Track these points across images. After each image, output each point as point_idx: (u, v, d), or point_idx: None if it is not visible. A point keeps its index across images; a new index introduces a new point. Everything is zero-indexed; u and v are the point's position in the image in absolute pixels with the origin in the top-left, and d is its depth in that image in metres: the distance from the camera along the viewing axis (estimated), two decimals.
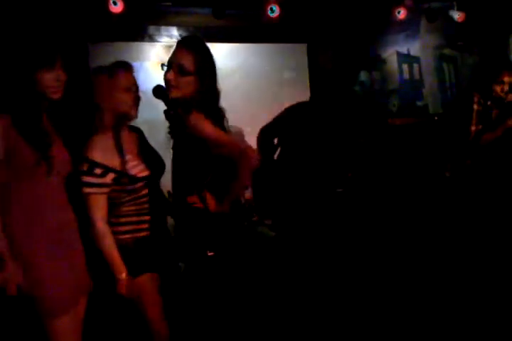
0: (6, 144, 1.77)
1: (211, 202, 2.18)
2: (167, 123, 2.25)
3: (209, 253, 2.17)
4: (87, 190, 2.06)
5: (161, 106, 2.18)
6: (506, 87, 3.50)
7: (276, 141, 3.05)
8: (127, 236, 2.15)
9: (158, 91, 2.15)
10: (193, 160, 2.18)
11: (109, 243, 2.07)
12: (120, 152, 2.11)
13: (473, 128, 3.50)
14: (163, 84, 2.21)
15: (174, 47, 2.25)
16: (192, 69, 2.17)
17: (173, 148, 2.28)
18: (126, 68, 2.16)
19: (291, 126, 2.83)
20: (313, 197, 3.01)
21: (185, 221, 2.29)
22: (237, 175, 2.20)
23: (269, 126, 2.96)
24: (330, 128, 2.71)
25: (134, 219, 2.18)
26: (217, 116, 2.26)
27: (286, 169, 2.85)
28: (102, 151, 2.08)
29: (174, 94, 2.19)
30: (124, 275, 2.07)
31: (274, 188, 3.05)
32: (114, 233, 2.10)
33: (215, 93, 2.24)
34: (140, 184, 2.16)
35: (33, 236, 1.86)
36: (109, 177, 2.07)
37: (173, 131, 2.22)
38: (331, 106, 2.73)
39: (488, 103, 3.54)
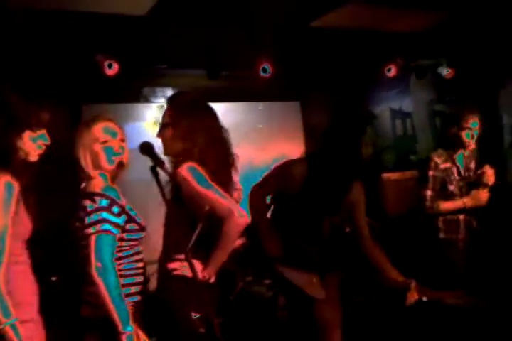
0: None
1: (198, 267, 2.03)
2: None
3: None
4: (105, 227, 1.88)
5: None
6: (472, 132, 3.34)
7: (268, 199, 3.01)
8: None
9: (144, 148, 2.13)
10: (179, 220, 2.12)
11: (116, 287, 1.86)
12: (119, 196, 2.03)
13: (427, 192, 3.40)
14: (158, 142, 2.22)
15: None
16: (168, 120, 2.21)
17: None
18: (105, 119, 2.12)
19: (283, 183, 2.80)
20: (309, 254, 2.94)
21: (167, 288, 2.17)
22: (222, 239, 2.05)
23: (261, 184, 2.93)
24: (323, 183, 2.67)
25: (126, 281, 2.04)
26: (219, 165, 2.21)
27: (281, 227, 2.79)
28: (115, 193, 2.01)
29: (165, 150, 2.22)
30: (129, 328, 1.87)
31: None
32: None
33: (206, 141, 2.19)
34: (141, 234, 2.08)
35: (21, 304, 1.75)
36: (122, 219, 1.96)
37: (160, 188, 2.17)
38: (325, 162, 2.71)
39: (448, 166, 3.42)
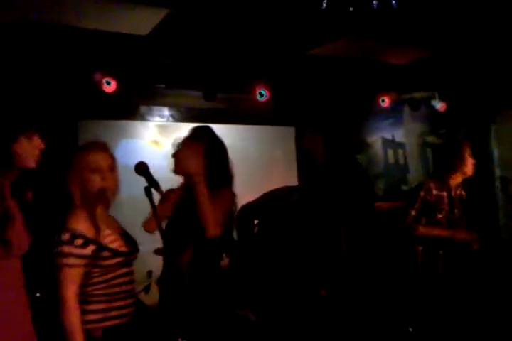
0: None
1: None
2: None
3: None
4: (65, 260, 1.94)
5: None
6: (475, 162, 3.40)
7: (256, 221, 3.04)
8: (92, 325, 1.99)
9: (140, 167, 2.15)
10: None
11: (74, 323, 1.90)
12: (95, 224, 2.05)
13: (412, 212, 3.40)
14: (152, 161, 2.32)
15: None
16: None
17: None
18: (97, 148, 2.15)
19: (272, 209, 2.84)
20: (293, 279, 2.93)
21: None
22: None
23: (251, 207, 2.96)
24: (314, 213, 2.70)
25: (102, 306, 2.02)
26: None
27: (265, 246, 2.81)
28: (84, 223, 2.03)
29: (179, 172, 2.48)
30: None
31: (254, 269, 2.97)
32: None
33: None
34: (119, 259, 2.07)
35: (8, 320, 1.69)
36: (90, 249, 1.99)
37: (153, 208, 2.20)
38: (317, 191, 2.75)
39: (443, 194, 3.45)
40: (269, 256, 2.84)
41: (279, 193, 2.99)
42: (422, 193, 3.38)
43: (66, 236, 1.97)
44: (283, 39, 4.14)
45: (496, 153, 5.50)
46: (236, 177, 4.97)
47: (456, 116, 5.51)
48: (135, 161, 2.26)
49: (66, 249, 1.96)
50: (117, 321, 2.04)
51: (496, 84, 4.99)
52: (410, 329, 3.45)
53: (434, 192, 3.39)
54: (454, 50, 4.60)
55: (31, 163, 1.81)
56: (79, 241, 1.97)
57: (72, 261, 1.95)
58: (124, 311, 2.07)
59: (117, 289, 2.07)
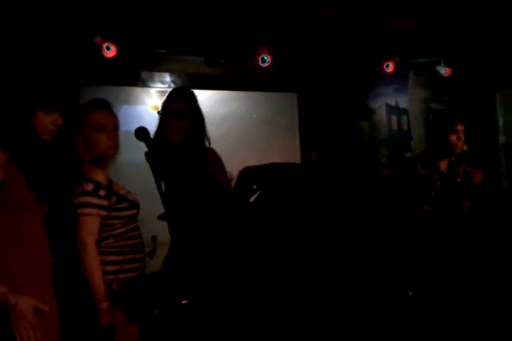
0: (2, 176, 1.73)
1: None
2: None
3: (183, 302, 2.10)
4: (88, 210, 2.00)
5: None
6: (461, 136, 3.50)
7: (255, 186, 3.06)
8: (111, 277, 2.07)
9: (140, 133, 2.17)
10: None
11: (95, 268, 1.98)
12: (109, 179, 2.13)
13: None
14: (153, 128, 2.39)
15: (167, 96, 2.48)
16: (186, 113, 2.40)
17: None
18: (100, 106, 2.17)
19: (277, 177, 2.86)
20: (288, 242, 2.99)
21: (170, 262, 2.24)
22: None
23: (253, 171, 2.98)
24: (320, 187, 2.73)
25: (118, 258, 2.10)
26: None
27: (263, 213, 2.84)
28: (103, 176, 2.10)
29: (172, 137, 2.39)
30: (106, 304, 1.99)
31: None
32: None
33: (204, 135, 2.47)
34: (135, 211, 2.16)
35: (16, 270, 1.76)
36: (112, 200, 2.07)
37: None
38: (323, 163, 2.77)
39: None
40: (263, 224, 2.87)
41: (284, 167, 3.01)
42: (412, 177, 3.50)
43: (90, 187, 2.02)
44: (286, 2, 4.06)
45: (500, 120, 5.47)
46: (239, 143, 5.01)
47: (460, 82, 5.46)
48: (136, 127, 2.27)
49: (90, 199, 2.01)
50: (130, 274, 2.12)
51: (502, 50, 4.92)
52: (410, 294, 3.52)
53: (423, 172, 3.49)
54: (461, 14, 4.51)
55: (47, 137, 1.86)
56: (102, 192, 2.03)
57: (95, 211, 2.01)
58: (137, 264, 2.15)
59: (131, 242, 2.15)
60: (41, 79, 1.87)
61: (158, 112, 2.45)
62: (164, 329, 2.32)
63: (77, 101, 4.14)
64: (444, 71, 5.32)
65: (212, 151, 2.44)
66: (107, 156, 2.18)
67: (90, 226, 2.00)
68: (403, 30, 4.99)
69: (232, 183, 3.33)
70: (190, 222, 2.27)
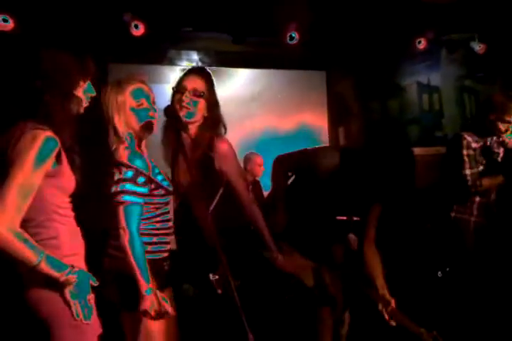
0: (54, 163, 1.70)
1: None
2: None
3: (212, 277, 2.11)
4: (128, 197, 1.96)
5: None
6: (509, 126, 3.18)
7: (290, 174, 3.03)
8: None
9: (168, 111, 2.15)
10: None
11: (141, 253, 1.94)
12: (148, 163, 2.08)
13: (467, 172, 3.29)
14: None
15: (183, 74, 2.39)
16: (204, 93, 2.32)
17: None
18: (138, 82, 2.10)
19: (311, 165, 2.83)
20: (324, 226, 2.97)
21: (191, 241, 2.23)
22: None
23: (288, 158, 2.95)
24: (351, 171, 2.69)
25: (148, 240, 2.08)
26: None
27: (298, 197, 2.81)
28: (141, 162, 2.04)
29: (188, 115, 2.29)
30: (149, 289, 1.93)
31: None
32: None
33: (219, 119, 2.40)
34: (168, 197, 2.13)
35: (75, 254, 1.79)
36: (149, 187, 2.03)
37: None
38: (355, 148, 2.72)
39: (489, 143, 3.32)
40: (299, 211, 2.85)
41: (318, 151, 2.98)
42: (464, 151, 3.30)
43: (129, 174, 1.98)
44: None
45: None
46: (267, 123, 4.99)
47: (495, 58, 5.29)
48: (164, 105, 2.25)
49: (129, 186, 1.96)
50: (161, 254, 2.11)
51: None
52: (440, 274, 3.47)
53: (473, 145, 3.31)
54: None
55: (81, 108, 1.83)
56: (141, 179, 1.99)
57: (134, 198, 1.97)
58: (165, 246, 2.14)
59: (162, 225, 2.13)
60: (73, 52, 1.82)
61: (173, 88, 2.36)
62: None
63: (105, 77, 4.18)
64: (479, 47, 5.16)
65: (223, 145, 2.32)
66: (145, 132, 2.10)
67: (134, 213, 1.97)
68: (436, 5, 4.84)
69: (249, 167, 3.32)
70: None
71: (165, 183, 2.12)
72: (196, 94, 2.29)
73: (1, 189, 1.59)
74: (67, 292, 1.68)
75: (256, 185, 4.52)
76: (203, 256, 2.21)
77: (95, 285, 1.75)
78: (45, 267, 1.62)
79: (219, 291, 2.13)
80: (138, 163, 2.00)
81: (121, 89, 2.07)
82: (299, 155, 3.05)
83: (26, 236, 1.61)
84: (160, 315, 1.94)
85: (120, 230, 1.96)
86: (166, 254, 2.14)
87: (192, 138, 2.30)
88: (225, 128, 2.39)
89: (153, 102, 2.13)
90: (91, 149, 2.01)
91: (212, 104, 2.34)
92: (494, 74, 5.49)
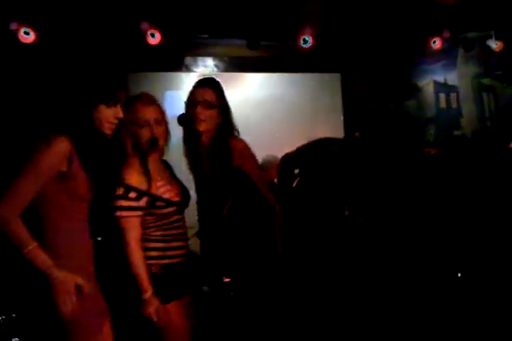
0: (66, 167, 1.85)
1: None
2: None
3: (225, 280, 2.17)
4: (122, 213, 2.11)
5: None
6: None
7: (297, 171, 3.07)
8: (153, 261, 2.17)
9: (184, 119, 2.23)
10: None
11: (138, 261, 2.10)
12: (148, 177, 2.17)
13: None
14: None
15: (193, 86, 2.48)
16: (216, 103, 2.41)
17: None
18: (144, 102, 2.20)
19: (317, 158, 2.85)
20: (329, 225, 2.99)
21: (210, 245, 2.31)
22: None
23: (292, 156, 2.98)
24: (360, 163, 2.70)
25: (161, 245, 2.19)
26: None
27: (305, 197, 2.85)
28: (137, 176, 2.15)
29: (203, 127, 2.38)
30: (149, 294, 2.08)
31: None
32: None
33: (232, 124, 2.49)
34: (172, 209, 2.20)
35: (75, 257, 1.91)
36: (144, 201, 2.13)
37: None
38: (363, 140, 2.74)
39: None
40: (307, 207, 2.89)
41: (320, 144, 2.99)
42: None
43: (120, 191, 2.11)
44: None
45: None
46: (282, 126, 5.02)
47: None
48: (181, 111, 2.37)
49: (121, 202, 2.10)
50: (174, 260, 2.21)
51: None
52: (459, 275, 3.46)
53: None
54: None
55: (109, 131, 1.97)
56: (132, 195, 2.11)
57: (127, 213, 2.11)
58: (179, 252, 2.23)
59: (172, 232, 2.23)
60: (103, 73, 1.98)
61: (186, 103, 2.45)
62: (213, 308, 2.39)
63: (126, 89, 4.26)
64: (495, 45, 5.13)
65: (239, 144, 2.43)
66: (154, 148, 2.20)
67: (129, 227, 2.11)
68: (451, 3, 4.81)
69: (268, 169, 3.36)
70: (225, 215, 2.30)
71: (166, 195, 2.21)
72: (208, 105, 2.38)
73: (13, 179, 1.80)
74: (52, 288, 1.83)
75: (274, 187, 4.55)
76: (217, 259, 2.28)
77: (84, 291, 1.88)
78: (30, 256, 1.79)
79: (231, 293, 2.21)
80: (131, 180, 2.13)
81: (130, 109, 2.15)
82: (301, 149, 3.08)
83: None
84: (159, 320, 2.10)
85: (123, 242, 2.11)
86: (180, 259, 2.23)
87: (209, 143, 2.40)
88: (238, 132, 2.48)
89: (159, 121, 2.22)
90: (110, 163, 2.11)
91: (225, 110, 2.44)
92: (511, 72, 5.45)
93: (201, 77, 2.60)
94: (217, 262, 2.26)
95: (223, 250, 2.26)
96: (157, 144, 2.18)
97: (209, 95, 2.41)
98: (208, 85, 2.46)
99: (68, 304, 1.83)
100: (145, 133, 2.16)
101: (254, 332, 2.35)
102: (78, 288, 1.87)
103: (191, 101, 2.43)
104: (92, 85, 1.92)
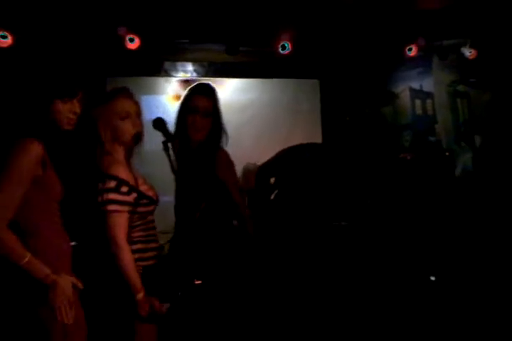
0: (41, 171, 1.83)
1: None
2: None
3: (196, 282, 2.18)
4: (113, 207, 2.06)
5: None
6: None
7: (273, 180, 3.11)
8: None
9: (158, 123, 2.24)
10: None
11: (129, 262, 2.06)
12: (132, 174, 2.17)
13: None
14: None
15: (188, 94, 2.50)
16: (212, 111, 2.45)
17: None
18: (127, 95, 2.20)
19: (291, 166, 2.89)
20: (309, 236, 3.03)
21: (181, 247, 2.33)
22: None
23: (268, 165, 3.02)
24: (335, 168, 2.75)
25: (141, 246, 2.19)
26: None
27: (283, 210, 2.88)
28: (125, 172, 2.13)
29: (200, 136, 2.43)
30: (141, 295, 2.07)
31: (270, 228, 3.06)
32: None
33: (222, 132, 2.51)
34: (152, 207, 2.22)
35: (56, 262, 1.88)
36: (132, 196, 2.11)
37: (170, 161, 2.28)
38: (340, 146, 2.78)
39: None
40: (285, 218, 2.92)
41: (293, 151, 3.03)
42: None
43: (112, 184, 2.06)
44: None
45: None
46: (261, 131, 5.05)
47: (487, 64, 5.35)
48: (161, 115, 2.34)
49: (112, 196, 2.06)
50: (150, 262, 2.20)
51: None
52: (432, 279, 3.52)
53: None
54: None
55: (68, 126, 1.93)
56: (124, 189, 2.08)
57: (118, 207, 2.06)
58: (155, 253, 2.24)
59: (149, 232, 2.23)
60: (58, 69, 1.93)
61: (180, 107, 2.49)
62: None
63: (104, 91, 4.26)
64: (469, 53, 5.22)
65: (225, 155, 2.47)
66: (132, 145, 2.22)
67: (120, 222, 2.06)
68: (427, 11, 4.90)
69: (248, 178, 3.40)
70: (198, 218, 2.32)
71: (149, 193, 2.21)
72: (207, 114, 2.43)
73: None
74: (50, 295, 1.79)
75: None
76: (189, 262, 2.29)
77: (80, 288, 1.88)
78: (29, 267, 1.75)
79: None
80: (121, 174, 2.10)
81: (108, 103, 2.16)
82: (276, 158, 3.12)
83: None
84: (153, 319, 2.06)
85: (110, 239, 2.06)
86: (155, 261, 2.22)
87: (197, 150, 2.43)
88: (227, 139, 2.52)
89: (139, 114, 2.23)
90: (78, 160, 2.10)
91: (218, 119, 2.48)
92: (486, 79, 5.56)
93: (198, 83, 2.61)
94: (188, 264, 2.26)
95: (194, 252, 2.27)
96: (141, 139, 2.19)
97: (208, 104, 2.44)
98: (208, 93, 2.49)
99: (68, 307, 1.80)
100: (127, 126, 2.15)
101: (228, 333, 2.37)
102: (74, 287, 1.86)
103: (190, 108, 2.44)
104: (46, 81, 1.88)
